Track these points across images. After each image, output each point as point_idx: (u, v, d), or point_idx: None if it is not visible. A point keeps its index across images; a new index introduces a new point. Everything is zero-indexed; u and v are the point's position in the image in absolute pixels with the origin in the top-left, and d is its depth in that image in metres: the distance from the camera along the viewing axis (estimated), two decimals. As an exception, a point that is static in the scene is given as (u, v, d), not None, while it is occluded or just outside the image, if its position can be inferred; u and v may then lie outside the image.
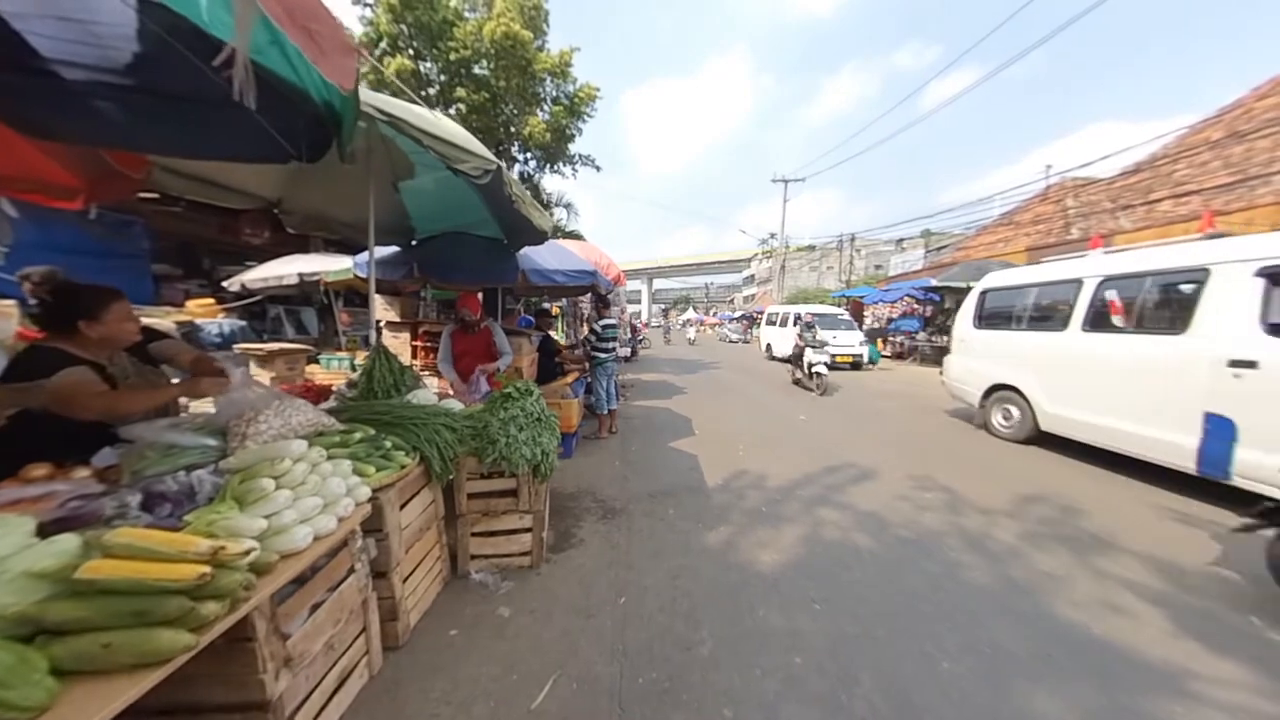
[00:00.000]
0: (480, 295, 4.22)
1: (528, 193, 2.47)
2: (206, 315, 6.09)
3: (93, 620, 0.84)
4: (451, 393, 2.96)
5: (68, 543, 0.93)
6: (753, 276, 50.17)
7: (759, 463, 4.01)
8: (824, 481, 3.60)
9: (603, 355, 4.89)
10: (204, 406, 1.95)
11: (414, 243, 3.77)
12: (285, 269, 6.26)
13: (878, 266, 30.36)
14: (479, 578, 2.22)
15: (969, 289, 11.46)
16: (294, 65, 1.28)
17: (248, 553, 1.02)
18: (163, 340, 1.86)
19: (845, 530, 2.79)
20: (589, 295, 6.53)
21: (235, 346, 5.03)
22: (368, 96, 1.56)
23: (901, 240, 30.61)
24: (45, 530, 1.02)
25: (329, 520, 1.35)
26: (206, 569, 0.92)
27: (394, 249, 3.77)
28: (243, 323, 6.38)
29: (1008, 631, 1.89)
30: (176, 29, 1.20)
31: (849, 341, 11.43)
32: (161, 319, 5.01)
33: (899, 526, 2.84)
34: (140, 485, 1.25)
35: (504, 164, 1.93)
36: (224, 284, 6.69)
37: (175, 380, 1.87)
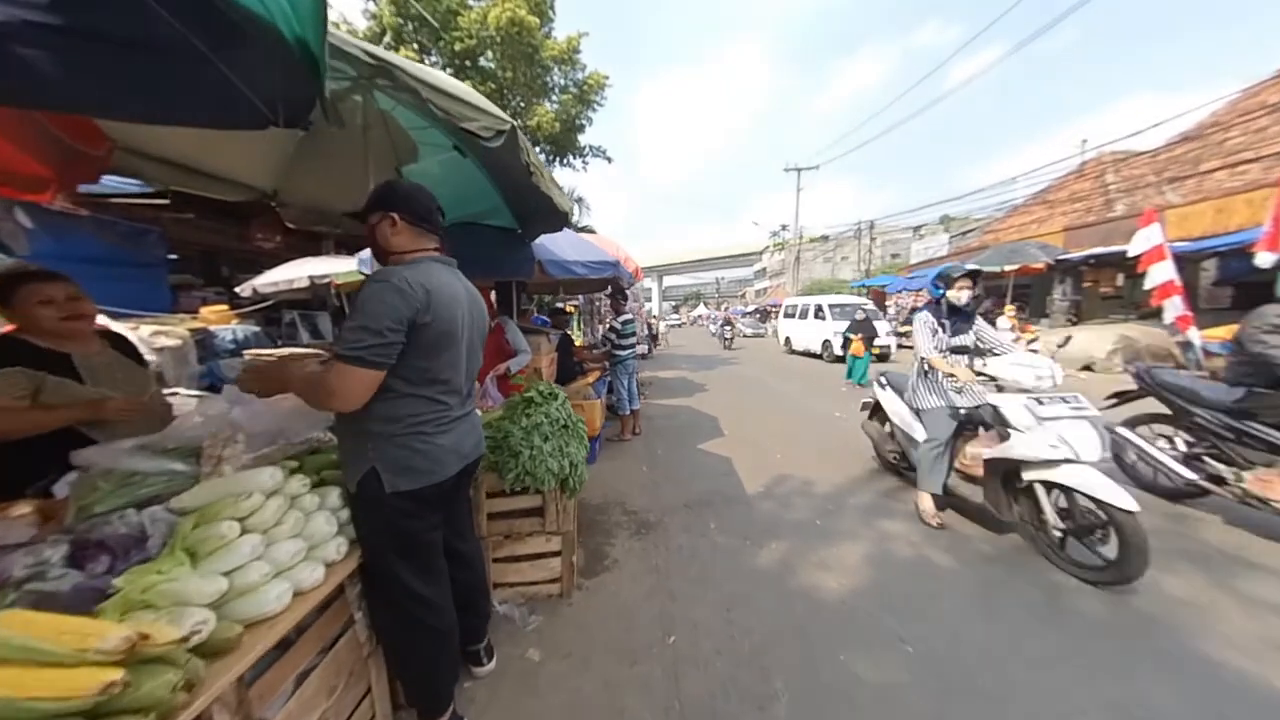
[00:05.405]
0: (493, 292, 3.94)
1: (547, 166, 2.16)
2: (220, 321, 5.99)
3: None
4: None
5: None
6: (764, 270, 49.29)
7: (799, 466, 3.65)
8: (877, 487, 3.23)
9: (623, 353, 4.59)
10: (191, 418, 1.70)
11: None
12: (296, 272, 6.13)
13: (894, 255, 29.40)
14: (504, 610, 1.93)
15: (1003, 273, 10.87)
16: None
17: (187, 639, 0.73)
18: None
19: (917, 546, 2.43)
20: (606, 291, 6.22)
21: (246, 352, 4.86)
22: (359, 44, 1.26)
23: (920, 227, 29.62)
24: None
25: (315, 569, 1.06)
26: (117, 674, 0.63)
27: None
28: (256, 328, 6.26)
29: (1157, 683, 1.52)
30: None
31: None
32: (175, 326, 4.88)
33: (979, 540, 2.46)
34: (76, 531, 0.98)
35: (519, 125, 1.62)
36: (237, 290, 6.60)
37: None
